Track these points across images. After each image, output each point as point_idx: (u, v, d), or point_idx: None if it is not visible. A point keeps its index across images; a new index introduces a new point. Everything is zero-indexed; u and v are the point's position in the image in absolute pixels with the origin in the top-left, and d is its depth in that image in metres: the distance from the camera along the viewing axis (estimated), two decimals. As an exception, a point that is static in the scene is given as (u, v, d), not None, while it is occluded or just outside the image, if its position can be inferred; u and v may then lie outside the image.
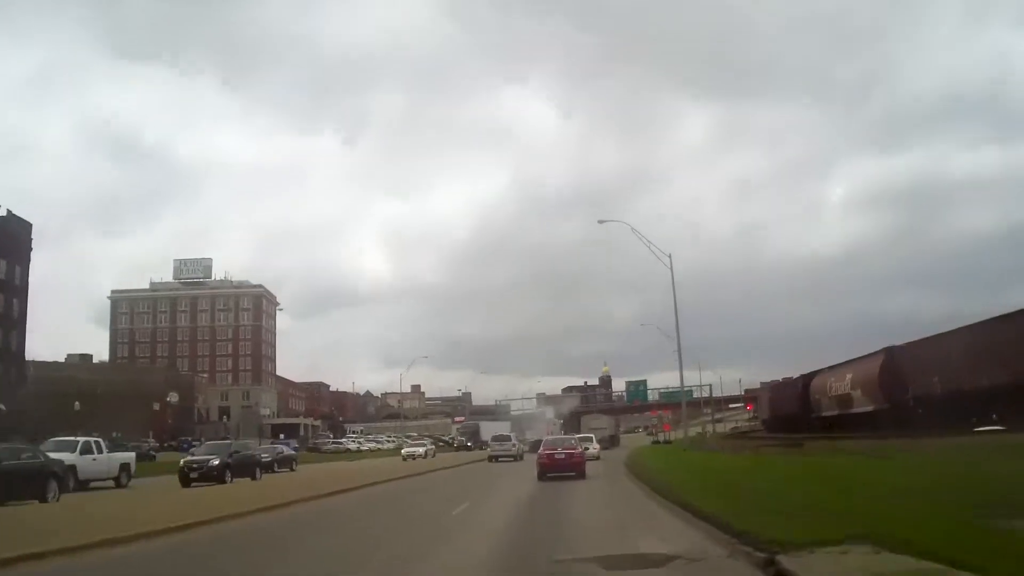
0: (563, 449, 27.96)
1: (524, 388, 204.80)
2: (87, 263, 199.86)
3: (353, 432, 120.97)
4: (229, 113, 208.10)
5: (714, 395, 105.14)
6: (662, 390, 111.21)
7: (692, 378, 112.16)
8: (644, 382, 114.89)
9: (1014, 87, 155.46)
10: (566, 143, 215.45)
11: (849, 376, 36.63)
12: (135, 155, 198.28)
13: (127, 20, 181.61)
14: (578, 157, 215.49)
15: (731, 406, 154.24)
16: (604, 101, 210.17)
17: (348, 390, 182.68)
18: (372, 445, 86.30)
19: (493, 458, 50.49)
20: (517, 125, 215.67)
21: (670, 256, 39.11)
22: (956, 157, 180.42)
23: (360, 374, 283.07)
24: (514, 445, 54.52)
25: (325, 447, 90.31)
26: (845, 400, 37.58)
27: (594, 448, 43.63)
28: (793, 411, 46.29)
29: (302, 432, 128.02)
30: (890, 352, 33.84)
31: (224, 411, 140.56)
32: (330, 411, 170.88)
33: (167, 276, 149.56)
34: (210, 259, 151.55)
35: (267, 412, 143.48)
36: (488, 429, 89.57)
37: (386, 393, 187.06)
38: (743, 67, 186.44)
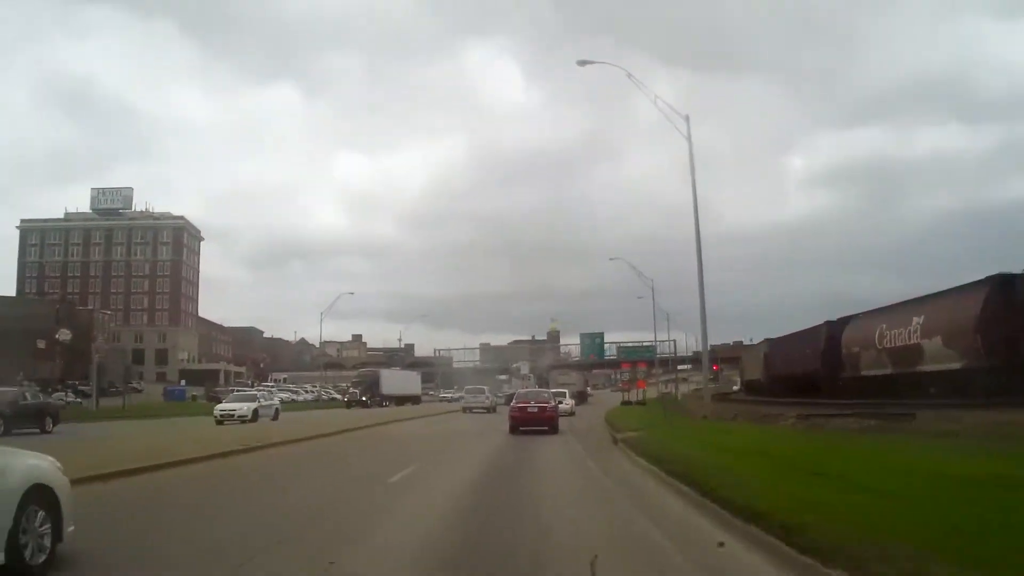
0: (536, 403, 27.53)
1: (470, 342, 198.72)
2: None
3: (275, 380, 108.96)
4: (188, 64, 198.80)
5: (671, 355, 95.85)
6: (622, 344, 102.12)
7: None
8: (601, 335, 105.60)
9: (980, 71, 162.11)
10: (527, 108, 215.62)
11: (918, 320, 26.54)
12: (88, 105, 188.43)
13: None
14: (539, 123, 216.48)
15: (680, 367, 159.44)
16: (567, 68, 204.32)
17: (285, 337, 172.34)
18: (285, 396, 75.32)
19: (467, 409, 53.33)
20: (479, 88, 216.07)
21: (687, 118, 30.91)
22: (919, 137, 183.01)
23: (311, 327, 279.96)
24: (487, 398, 56.06)
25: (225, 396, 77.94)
26: (907, 354, 27.55)
27: (567, 403, 42.64)
28: (809, 370, 36.34)
29: (222, 380, 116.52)
30: (1003, 283, 22.57)
31: (139, 354, 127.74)
32: (261, 358, 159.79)
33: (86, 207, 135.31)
34: (130, 188, 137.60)
35: (184, 356, 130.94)
36: (392, 380, 77.88)
37: (325, 342, 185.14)
38: (710, 41, 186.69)
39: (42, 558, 6.45)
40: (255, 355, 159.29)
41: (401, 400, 74.03)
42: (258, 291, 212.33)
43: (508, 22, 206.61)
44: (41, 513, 6.50)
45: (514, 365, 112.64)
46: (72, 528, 6.92)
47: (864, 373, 31.05)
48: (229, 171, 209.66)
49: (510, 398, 42.22)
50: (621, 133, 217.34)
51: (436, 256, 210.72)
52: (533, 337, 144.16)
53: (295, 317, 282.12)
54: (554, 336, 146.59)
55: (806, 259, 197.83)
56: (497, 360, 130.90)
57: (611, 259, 63.49)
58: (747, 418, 31.38)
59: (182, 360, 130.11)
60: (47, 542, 6.55)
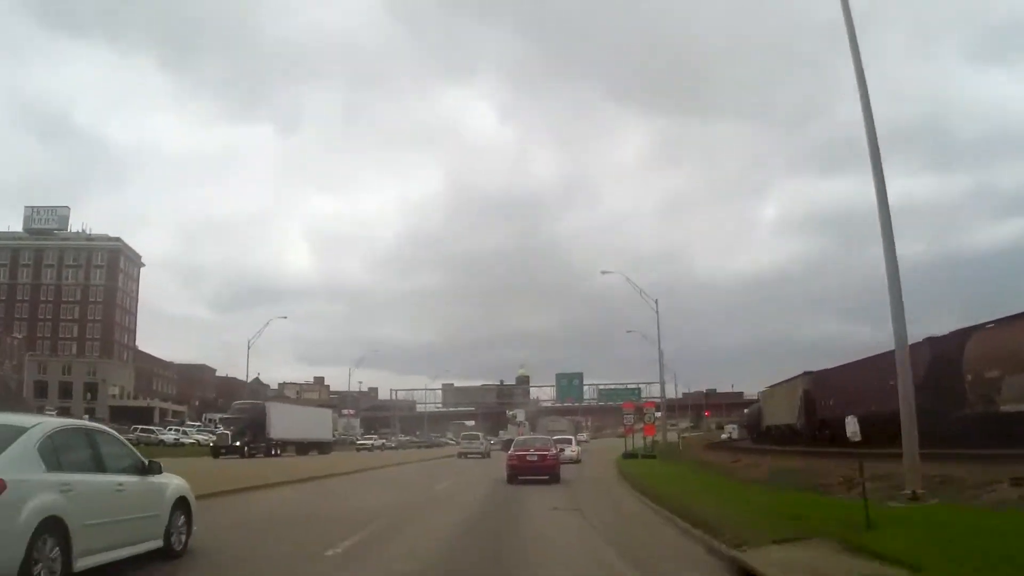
0: (536, 450, 26.07)
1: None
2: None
3: (210, 420, 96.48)
4: (164, 97, 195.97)
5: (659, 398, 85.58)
6: (603, 386, 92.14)
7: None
8: (579, 376, 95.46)
9: (953, 118, 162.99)
10: (502, 150, 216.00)
11: None
12: (62, 134, 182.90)
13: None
14: (513, 165, 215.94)
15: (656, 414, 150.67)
16: (543, 111, 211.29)
17: (239, 376, 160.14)
18: (203, 437, 64.21)
19: (463, 455, 53.38)
20: (454, 129, 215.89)
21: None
22: (890, 183, 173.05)
23: (276, 369, 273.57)
24: (482, 444, 58.33)
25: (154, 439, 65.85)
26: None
27: (573, 450, 40.34)
28: (887, 409, 25.84)
29: (157, 418, 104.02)
30: None
31: (66, 387, 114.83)
32: (208, 397, 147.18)
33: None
34: (67, 208, 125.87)
35: (116, 391, 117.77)
36: (287, 418, 56.52)
37: (284, 383, 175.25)
38: (685, 86, 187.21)
39: (180, 546, 10.10)
40: (207, 394, 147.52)
41: (304, 447, 58.39)
42: (222, 331, 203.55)
43: (488, 64, 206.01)
44: (182, 516, 10.19)
45: (510, 413, 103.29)
46: (196, 528, 10.53)
47: (1008, 408, 20.41)
48: (199, 207, 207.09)
49: (507, 444, 44.88)
50: (597, 176, 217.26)
51: (406, 300, 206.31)
52: (502, 381, 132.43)
53: (258, 359, 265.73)
54: (523, 380, 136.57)
55: (778, 307, 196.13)
56: (461, 402, 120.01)
57: (603, 272, 56.94)
58: (830, 481, 20.46)
59: (113, 395, 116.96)
60: (184, 536, 10.22)
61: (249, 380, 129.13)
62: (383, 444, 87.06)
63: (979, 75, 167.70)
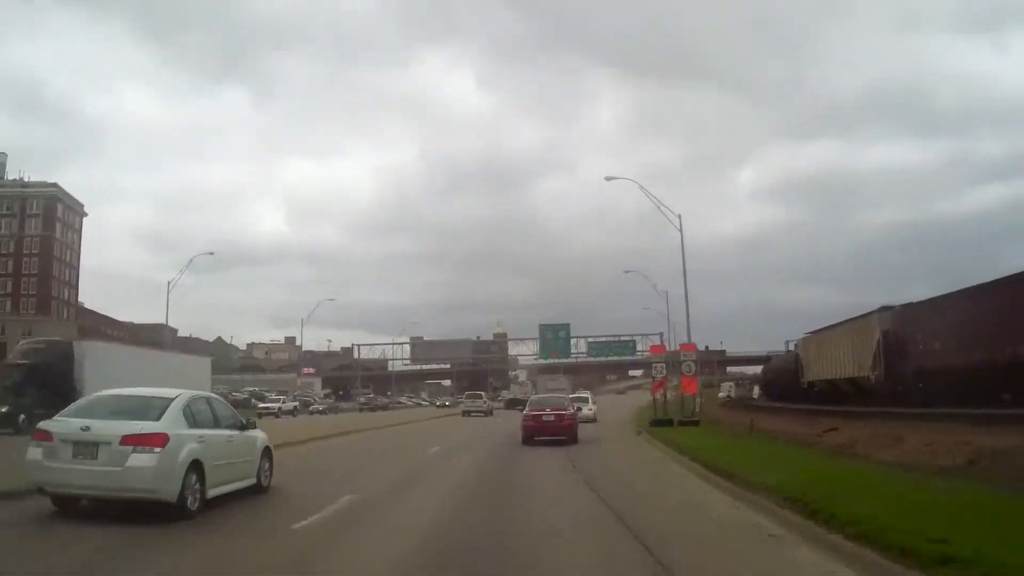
0: (552, 410, 25.19)
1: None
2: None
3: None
4: (139, 68, 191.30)
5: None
6: (594, 339, 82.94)
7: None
8: (566, 328, 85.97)
9: (935, 84, 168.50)
10: (480, 118, 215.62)
11: None
12: (36, 107, 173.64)
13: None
14: (491, 133, 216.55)
15: (631, 372, 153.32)
16: (523, 79, 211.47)
17: (202, 336, 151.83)
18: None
19: (466, 413, 56.37)
20: (432, 97, 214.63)
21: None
22: (872, 149, 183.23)
23: (253, 333, 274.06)
24: (484, 403, 60.22)
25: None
26: None
27: (589, 410, 38.97)
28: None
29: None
30: None
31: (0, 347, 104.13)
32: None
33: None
34: (4, 154, 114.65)
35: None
36: (104, 362, 30.36)
37: (253, 344, 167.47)
38: (668, 52, 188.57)
39: (267, 483, 12.75)
40: None
41: None
42: (200, 295, 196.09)
43: (467, 31, 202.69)
44: (267, 461, 12.85)
45: (511, 373, 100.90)
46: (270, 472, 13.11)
47: None
48: (175, 174, 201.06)
49: (510, 403, 50.30)
50: (576, 144, 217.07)
51: (382, 264, 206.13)
52: (478, 337, 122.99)
53: (237, 322, 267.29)
54: (500, 338, 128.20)
55: (758, 272, 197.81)
56: (432, 358, 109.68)
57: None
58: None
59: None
60: (269, 476, 12.90)
61: (267, 354, 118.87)
62: (294, 408, 61.88)
63: (963, 44, 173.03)
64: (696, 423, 29.96)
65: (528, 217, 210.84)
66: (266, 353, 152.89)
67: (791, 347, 61.83)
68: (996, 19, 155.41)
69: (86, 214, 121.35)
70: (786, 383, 43.06)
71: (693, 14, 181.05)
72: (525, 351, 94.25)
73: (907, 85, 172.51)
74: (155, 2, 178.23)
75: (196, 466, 9.93)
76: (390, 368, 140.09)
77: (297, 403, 66.39)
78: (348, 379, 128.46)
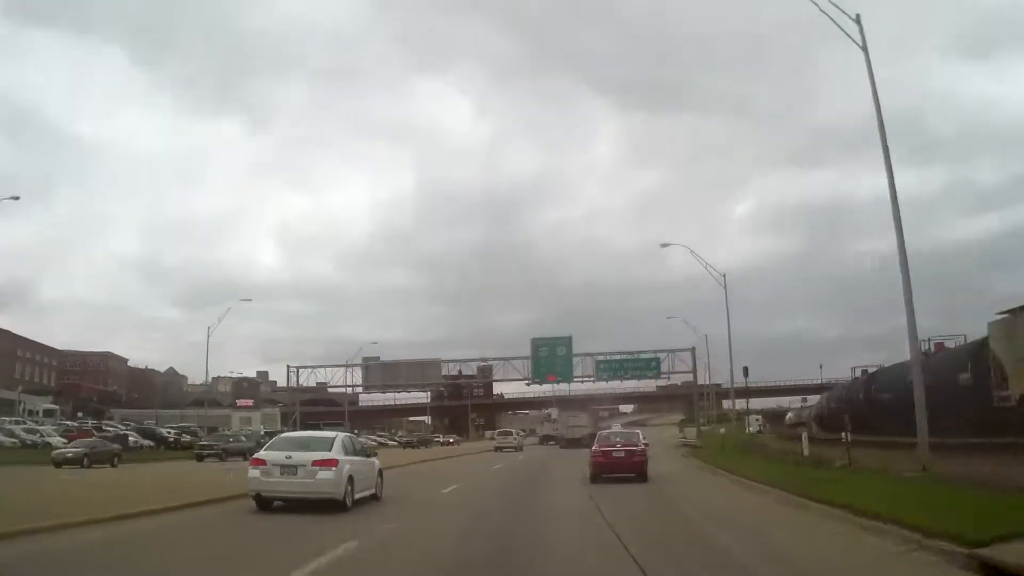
0: (622, 446, 24.64)
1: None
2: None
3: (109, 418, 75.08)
4: (131, 92, 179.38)
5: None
6: (604, 357, 70.06)
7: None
8: (567, 341, 71.50)
9: (933, 114, 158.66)
10: (476, 147, 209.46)
11: None
12: (22, 128, 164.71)
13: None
14: (487, 162, 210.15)
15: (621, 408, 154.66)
16: (518, 107, 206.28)
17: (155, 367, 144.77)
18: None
19: (499, 448, 58.96)
20: (427, 125, 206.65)
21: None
22: (867, 179, 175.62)
23: (236, 366, 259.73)
24: (515, 439, 63.60)
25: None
26: None
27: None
28: None
29: (23, 410, 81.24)
30: None
31: None
32: (110, 391, 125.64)
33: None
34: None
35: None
36: None
37: (220, 376, 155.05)
38: (664, 80, 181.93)
39: (380, 494, 18.65)
40: (111, 386, 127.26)
41: None
42: (187, 331, 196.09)
43: (463, 57, 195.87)
44: (380, 478, 18.90)
45: (545, 411, 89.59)
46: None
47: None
48: (165, 204, 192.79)
49: (544, 439, 63.82)
50: (574, 173, 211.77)
51: (375, 298, 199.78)
52: (460, 371, 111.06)
53: (219, 358, 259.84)
54: (485, 371, 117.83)
55: (754, 302, 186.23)
56: (391, 384, 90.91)
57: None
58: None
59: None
60: (381, 489, 18.80)
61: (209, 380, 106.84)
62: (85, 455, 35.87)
63: (960, 70, 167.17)
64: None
65: (525, 246, 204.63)
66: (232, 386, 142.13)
67: (857, 373, 52.25)
68: (993, 46, 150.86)
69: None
70: (884, 407, 33.69)
71: (692, 46, 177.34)
72: (514, 374, 75.12)
73: (904, 113, 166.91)
74: (147, 25, 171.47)
75: (350, 479, 16.42)
76: (360, 403, 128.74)
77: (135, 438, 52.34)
78: (312, 416, 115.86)
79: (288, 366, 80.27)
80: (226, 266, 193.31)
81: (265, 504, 16.11)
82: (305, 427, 74.68)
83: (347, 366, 78.14)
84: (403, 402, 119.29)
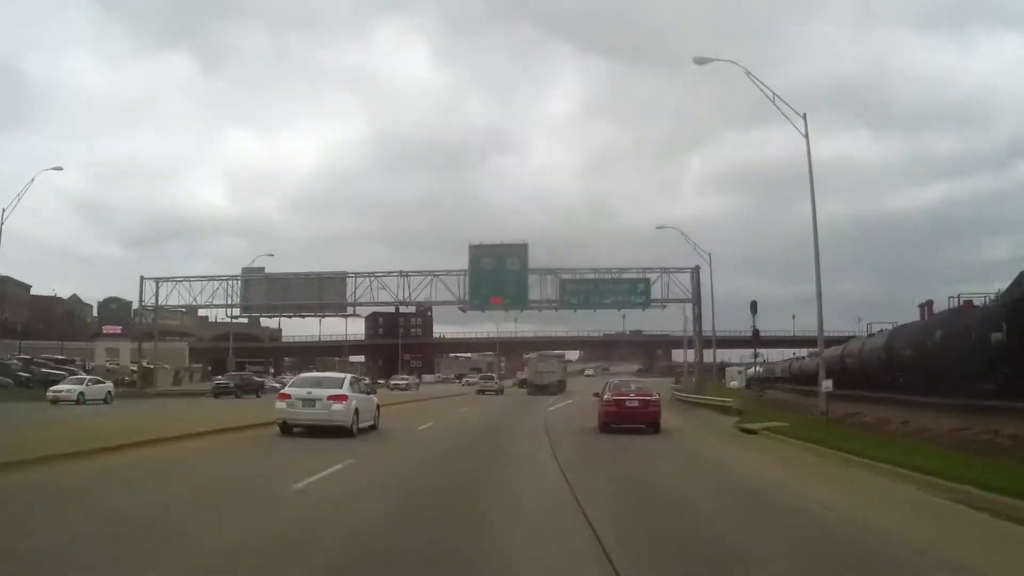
0: (636, 395, 23.75)
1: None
2: None
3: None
4: (79, 31, 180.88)
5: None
6: (571, 274, 54.39)
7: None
8: (523, 249, 53.47)
9: (893, 80, 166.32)
10: (431, 94, 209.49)
11: None
12: None
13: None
14: (441, 110, 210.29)
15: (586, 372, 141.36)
16: (478, 56, 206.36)
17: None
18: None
19: (481, 392, 62.50)
20: (383, 70, 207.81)
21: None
22: (826, 141, 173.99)
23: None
24: (496, 383, 66.53)
25: None
26: None
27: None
28: None
29: None
30: None
31: None
32: (7, 319, 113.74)
33: None
34: None
35: None
36: None
37: (145, 306, 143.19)
38: (625, 32, 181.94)
39: (379, 425, 22.78)
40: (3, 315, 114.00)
41: None
42: (133, 268, 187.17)
43: (423, 4, 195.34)
44: (377, 413, 22.98)
45: (525, 356, 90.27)
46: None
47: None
48: (114, 143, 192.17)
49: (522, 383, 64.63)
50: (526, 125, 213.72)
51: (320, 241, 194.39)
52: (397, 308, 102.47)
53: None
54: (422, 309, 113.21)
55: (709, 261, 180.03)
56: (281, 303, 66.72)
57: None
58: None
59: None
60: (379, 421, 22.92)
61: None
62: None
63: (921, 42, 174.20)
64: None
65: (472, 196, 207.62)
66: (151, 320, 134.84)
67: (872, 329, 46.52)
68: (957, 17, 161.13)
69: None
70: (908, 364, 28.81)
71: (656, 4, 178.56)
72: (446, 295, 55.21)
73: (866, 79, 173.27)
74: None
75: (356, 411, 20.23)
76: (283, 339, 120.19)
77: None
78: (225, 351, 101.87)
79: (142, 277, 61.79)
80: (172, 206, 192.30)
81: (287, 429, 20.28)
82: (230, 370, 65.38)
83: (223, 278, 59.26)
84: (331, 338, 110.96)
